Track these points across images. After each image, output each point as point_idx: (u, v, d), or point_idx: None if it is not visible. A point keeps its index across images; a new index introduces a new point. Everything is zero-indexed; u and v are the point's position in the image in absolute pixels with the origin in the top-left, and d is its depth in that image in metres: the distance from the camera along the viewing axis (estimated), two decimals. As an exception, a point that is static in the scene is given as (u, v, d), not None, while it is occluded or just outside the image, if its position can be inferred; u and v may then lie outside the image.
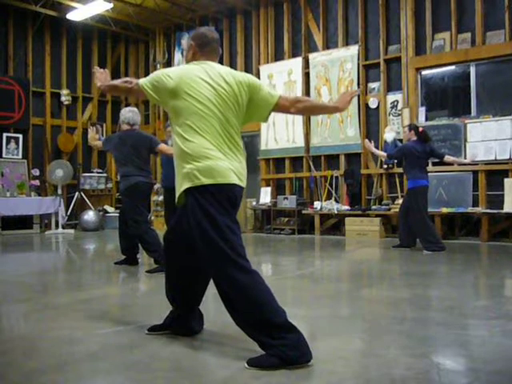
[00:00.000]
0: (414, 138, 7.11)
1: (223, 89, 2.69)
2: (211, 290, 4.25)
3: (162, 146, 5.73)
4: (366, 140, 7.67)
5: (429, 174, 8.58)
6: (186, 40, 2.74)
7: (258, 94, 2.77)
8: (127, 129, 5.77)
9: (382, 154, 7.71)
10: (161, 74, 2.74)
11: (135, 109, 6.04)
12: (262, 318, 2.51)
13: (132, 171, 5.60)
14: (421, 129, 7.26)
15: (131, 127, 5.76)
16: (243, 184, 2.79)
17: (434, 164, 8.47)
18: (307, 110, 2.93)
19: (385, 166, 9.18)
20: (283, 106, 2.81)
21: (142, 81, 2.79)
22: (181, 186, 2.69)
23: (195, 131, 2.64)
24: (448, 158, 7.41)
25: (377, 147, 9.40)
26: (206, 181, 2.60)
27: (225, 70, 2.80)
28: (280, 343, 2.44)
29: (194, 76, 2.69)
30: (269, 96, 2.79)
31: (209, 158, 2.61)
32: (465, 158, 8.30)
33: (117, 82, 2.97)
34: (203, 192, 2.61)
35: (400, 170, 9.05)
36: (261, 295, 2.58)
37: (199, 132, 2.64)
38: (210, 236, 2.59)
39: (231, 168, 2.68)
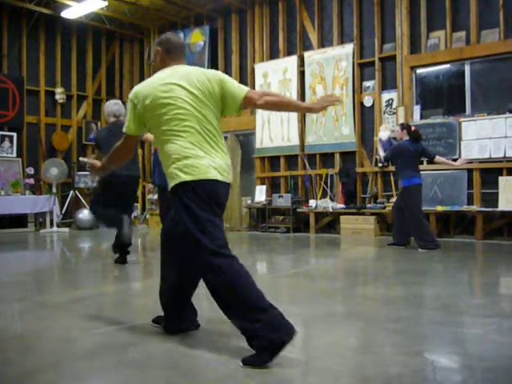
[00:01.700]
0: (407, 138, 7.15)
1: (196, 88, 2.76)
2: (204, 290, 4.23)
3: (147, 135, 5.78)
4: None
5: (424, 172, 8.65)
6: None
7: (227, 88, 2.82)
8: (114, 120, 5.96)
9: (381, 153, 7.80)
10: (131, 106, 2.83)
11: (119, 101, 6.24)
12: (243, 302, 2.58)
13: None
14: (413, 128, 7.30)
15: (117, 118, 5.94)
16: (227, 180, 2.80)
17: (429, 162, 8.48)
18: (275, 104, 2.92)
19: (379, 165, 9.20)
20: (252, 99, 2.83)
21: (125, 129, 2.93)
22: (168, 187, 2.79)
23: (175, 134, 2.72)
24: (438, 159, 7.48)
25: (371, 146, 9.46)
26: (186, 177, 2.67)
27: (194, 69, 2.87)
28: (261, 327, 2.47)
29: (164, 84, 2.76)
30: (238, 89, 2.84)
31: (189, 156, 2.69)
32: (459, 157, 8.34)
33: (108, 157, 3.15)
34: (184, 189, 2.68)
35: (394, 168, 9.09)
36: (243, 280, 2.63)
37: (179, 134, 2.71)
38: (189, 229, 2.65)
39: (212, 165, 2.71)
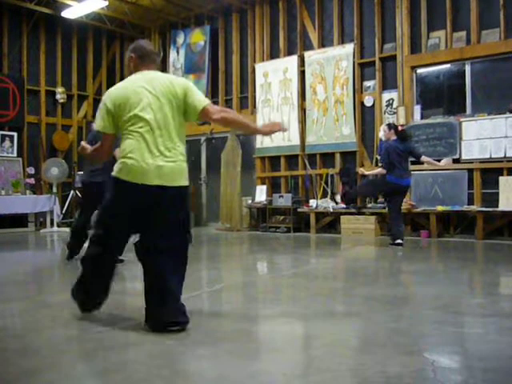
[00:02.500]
0: (394, 138, 7.27)
1: (161, 92, 3.00)
2: (205, 288, 4.24)
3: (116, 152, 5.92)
4: (360, 169, 8.25)
5: (424, 172, 8.68)
6: (127, 53, 2.94)
7: (190, 96, 3.03)
8: None
9: (378, 170, 7.79)
10: (104, 107, 3.09)
11: None
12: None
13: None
14: (400, 128, 7.46)
15: None
16: (167, 183, 2.96)
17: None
18: (229, 121, 3.17)
19: (380, 164, 9.18)
20: (209, 112, 3.05)
21: (98, 128, 3.15)
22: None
23: (132, 132, 2.98)
24: (424, 158, 7.60)
25: (372, 146, 9.46)
26: (117, 174, 3.00)
27: (161, 75, 3.13)
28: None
29: (133, 88, 3.05)
30: (199, 101, 3.05)
31: (129, 158, 2.95)
32: (460, 157, 8.36)
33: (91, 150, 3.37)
34: (113, 181, 3.03)
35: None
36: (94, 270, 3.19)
37: (133, 135, 2.97)
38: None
39: (148, 168, 2.92)
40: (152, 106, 2.97)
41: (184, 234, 3.12)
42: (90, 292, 3.29)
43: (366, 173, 8.02)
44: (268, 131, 3.20)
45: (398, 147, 7.16)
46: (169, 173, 2.96)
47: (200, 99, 3.05)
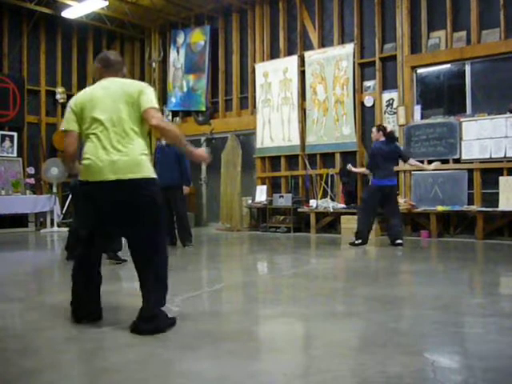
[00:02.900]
0: (382, 139, 7.40)
1: (116, 93, 3.15)
2: (206, 288, 4.24)
3: None
4: (349, 165, 8.25)
5: (424, 172, 8.67)
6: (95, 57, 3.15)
7: (141, 97, 3.14)
8: None
9: (363, 170, 8.08)
10: (70, 111, 3.24)
11: None
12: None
13: None
14: (389, 129, 7.59)
15: None
16: (123, 177, 3.04)
17: (430, 162, 8.48)
18: (165, 131, 3.18)
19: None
20: (149, 115, 3.11)
21: (64, 128, 3.28)
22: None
23: (90, 134, 3.14)
24: (411, 161, 7.70)
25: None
26: (80, 177, 3.22)
27: (121, 80, 3.30)
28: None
29: (92, 93, 3.22)
30: (146, 102, 3.14)
31: (87, 157, 3.11)
32: (460, 156, 8.36)
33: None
34: (79, 184, 3.25)
35: (395, 168, 9.07)
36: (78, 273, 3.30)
37: (92, 134, 3.12)
38: None
39: (103, 165, 3.04)
40: (106, 107, 3.12)
41: (156, 226, 3.14)
42: (80, 298, 3.32)
43: (354, 169, 8.19)
44: (199, 157, 3.32)
45: (383, 149, 7.31)
46: (124, 166, 3.04)
47: (148, 100, 3.14)
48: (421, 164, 7.95)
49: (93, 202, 3.14)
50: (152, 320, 3.01)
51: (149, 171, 3.13)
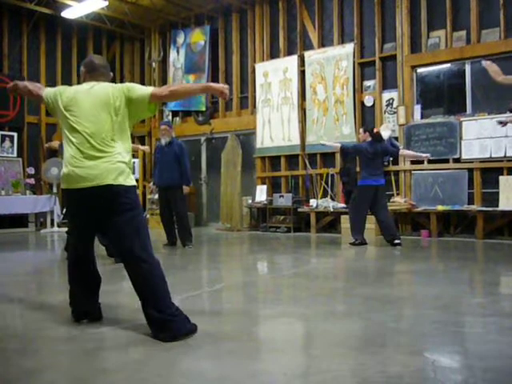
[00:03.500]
0: (369, 139, 7.55)
1: (98, 98, 3.12)
2: (206, 288, 4.24)
3: (51, 143, 5.85)
4: (322, 141, 8.43)
5: (424, 171, 8.68)
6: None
7: (134, 92, 3.14)
8: None
9: (335, 144, 8.16)
10: (58, 91, 3.25)
11: None
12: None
13: None
14: (376, 130, 7.73)
15: None
16: (101, 183, 3.01)
17: (430, 162, 8.49)
18: (178, 92, 3.22)
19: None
20: (158, 93, 3.12)
21: (45, 93, 3.31)
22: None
23: (68, 141, 3.13)
24: (402, 152, 7.92)
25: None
26: (61, 185, 3.24)
27: (106, 83, 3.25)
28: None
29: (74, 93, 3.19)
30: (143, 90, 3.14)
31: (66, 166, 3.12)
32: (460, 156, 8.37)
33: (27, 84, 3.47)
34: (62, 192, 3.33)
35: (395, 167, 9.10)
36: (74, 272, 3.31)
37: (70, 141, 3.11)
38: None
39: (81, 172, 3.03)
40: (86, 113, 3.10)
41: (134, 232, 3.05)
42: (77, 299, 3.32)
43: (327, 143, 8.25)
44: (215, 89, 3.18)
45: (368, 149, 7.43)
46: (100, 173, 3.01)
47: (144, 88, 3.16)
48: (414, 153, 8.14)
49: (77, 208, 3.20)
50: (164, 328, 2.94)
51: (127, 177, 3.08)
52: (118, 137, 3.13)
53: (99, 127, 3.08)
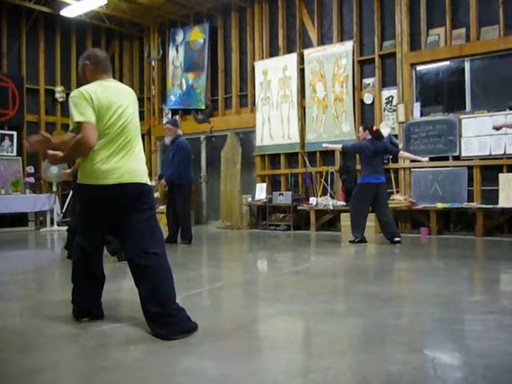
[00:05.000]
0: (369, 137, 7.53)
1: (121, 104, 3.07)
2: (206, 286, 4.24)
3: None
4: (324, 145, 8.36)
5: (424, 169, 8.68)
6: (81, 61, 2.91)
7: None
8: None
9: (336, 146, 8.19)
10: (84, 99, 2.95)
11: None
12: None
13: None
14: (375, 128, 7.76)
15: None
16: (134, 180, 3.05)
17: (430, 159, 8.48)
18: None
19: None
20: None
21: (81, 119, 2.94)
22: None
23: (112, 139, 3.04)
24: (402, 154, 8.00)
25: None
26: (88, 181, 3.09)
27: (123, 86, 3.26)
28: None
29: (114, 98, 3.05)
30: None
31: (105, 162, 3.03)
32: (460, 153, 8.38)
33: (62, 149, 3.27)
34: (79, 187, 3.20)
35: (395, 165, 9.10)
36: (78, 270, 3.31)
37: (114, 139, 3.04)
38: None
39: (127, 168, 3.03)
40: (131, 116, 3.16)
41: (152, 230, 3.11)
42: (80, 297, 3.32)
43: (330, 146, 8.25)
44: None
45: (368, 147, 7.43)
46: (138, 170, 3.14)
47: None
48: (413, 156, 8.11)
49: (91, 201, 3.15)
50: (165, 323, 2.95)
51: (147, 180, 3.19)
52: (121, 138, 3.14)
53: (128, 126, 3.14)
